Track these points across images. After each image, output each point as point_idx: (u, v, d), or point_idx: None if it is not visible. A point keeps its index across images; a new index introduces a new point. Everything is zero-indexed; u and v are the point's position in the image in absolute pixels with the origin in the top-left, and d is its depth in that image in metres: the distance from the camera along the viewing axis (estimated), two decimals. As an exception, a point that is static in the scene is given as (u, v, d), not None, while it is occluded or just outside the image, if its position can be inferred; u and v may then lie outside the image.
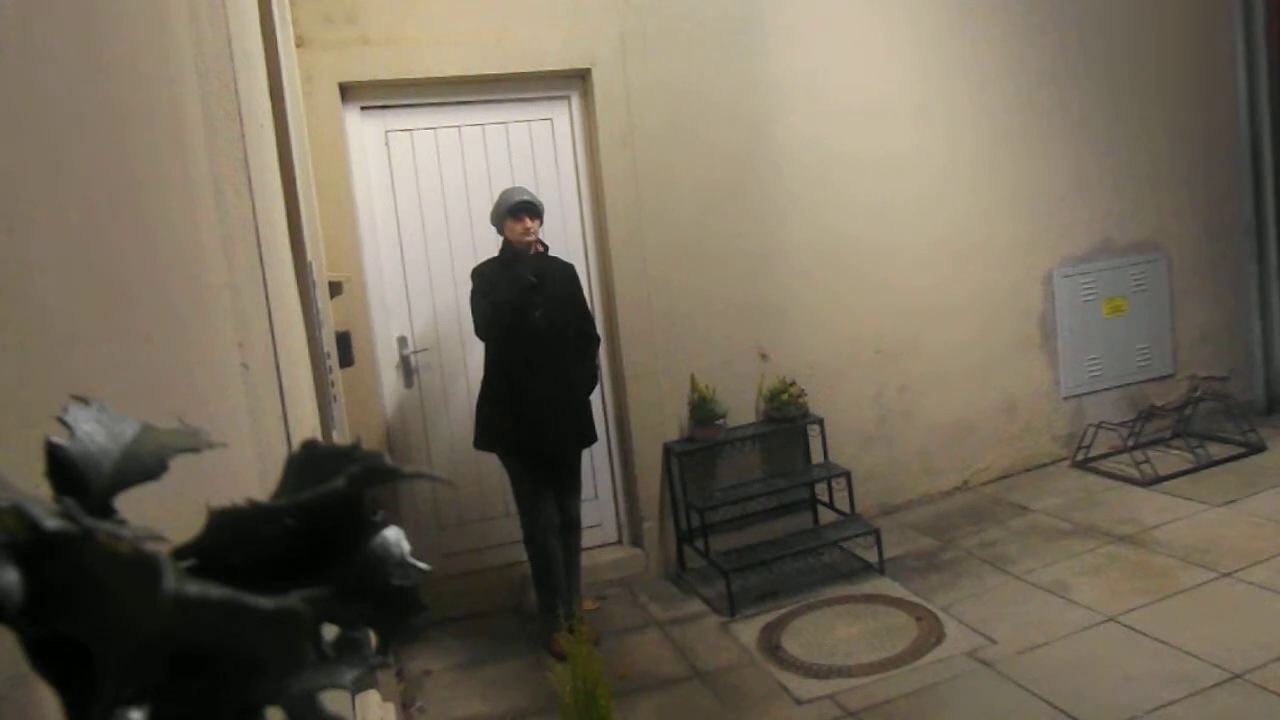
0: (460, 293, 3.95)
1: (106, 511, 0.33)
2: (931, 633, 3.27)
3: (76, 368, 0.54)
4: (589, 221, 4.14)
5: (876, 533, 3.88)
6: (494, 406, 3.44)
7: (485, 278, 3.40)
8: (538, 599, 3.54)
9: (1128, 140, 4.95)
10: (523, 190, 3.45)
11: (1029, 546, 3.89)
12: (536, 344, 3.36)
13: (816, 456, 4.31)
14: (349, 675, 0.32)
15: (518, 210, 3.36)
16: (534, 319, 3.34)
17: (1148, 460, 4.52)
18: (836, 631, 3.38)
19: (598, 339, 3.65)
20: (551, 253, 3.55)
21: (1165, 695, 2.66)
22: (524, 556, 3.58)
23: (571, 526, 3.55)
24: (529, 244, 3.38)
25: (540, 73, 3.97)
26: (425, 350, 3.98)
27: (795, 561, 3.95)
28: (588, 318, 3.58)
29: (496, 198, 3.48)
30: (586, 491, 4.17)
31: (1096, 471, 4.69)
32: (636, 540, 4.21)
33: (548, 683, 2.78)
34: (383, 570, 0.35)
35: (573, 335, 3.47)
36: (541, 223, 3.44)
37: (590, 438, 3.57)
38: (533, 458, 3.42)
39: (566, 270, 3.55)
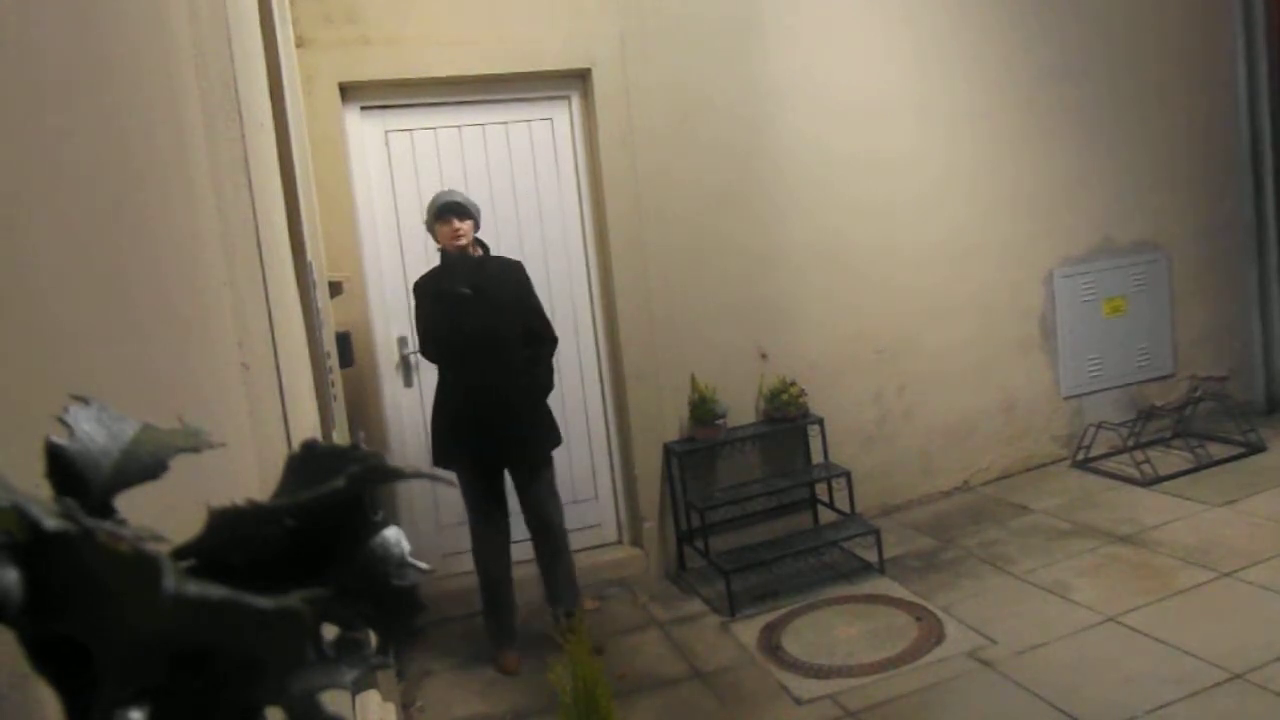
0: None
1: (106, 511, 0.33)
2: (931, 633, 3.27)
3: (76, 368, 0.54)
4: (589, 222, 4.14)
5: (876, 533, 3.88)
6: (442, 420, 3.38)
7: (424, 289, 3.34)
8: (483, 617, 3.51)
9: (1128, 140, 4.95)
10: (451, 192, 3.35)
11: (1029, 546, 3.89)
12: (476, 354, 3.27)
13: (816, 456, 4.31)
14: (349, 675, 0.32)
15: (445, 212, 3.26)
16: (463, 328, 3.24)
17: (1148, 460, 4.52)
18: (836, 631, 3.38)
19: (553, 339, 3.45)
20: (514, 255, 3.49)
21: (1165, 695, 2.66)
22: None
23: (548, 532, 3.44)
24: (460, 248, 3.28)
25: (540, 73, 3.97)
26: (425, 350, 3.98)
27: (795, 561, 3.95)
28: (540, 317, 3.44)
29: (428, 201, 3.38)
30: (586, 491, 4.17)
31: (1096, 471, 4.69)
32: (636, 540, 4.21)
33: (548, 683, 2.78)
34: (383, 570, 0.35)
35: (520, 339, 3.36)
36: (477, 225, 3.34)
37: (550, 441, 3.43)
38: (480, 468, 3.35)
39: (511, 270, 3.41)
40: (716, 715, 2.97)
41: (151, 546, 0.27)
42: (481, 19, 3.84)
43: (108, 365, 0.60)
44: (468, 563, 4.01)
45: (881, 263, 4.48)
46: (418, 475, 0.36)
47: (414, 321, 3.41)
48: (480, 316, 3.25)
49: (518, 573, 3.91)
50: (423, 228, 3.93)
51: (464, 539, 4.03)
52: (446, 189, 3.45)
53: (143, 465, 0.35)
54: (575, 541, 3.76)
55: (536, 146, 4.06)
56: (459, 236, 3.27)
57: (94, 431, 0.35)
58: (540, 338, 3.42)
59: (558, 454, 3.52)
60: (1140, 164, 4.99)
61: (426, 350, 3.38)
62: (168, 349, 0.76)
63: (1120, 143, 4.94)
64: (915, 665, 3.07)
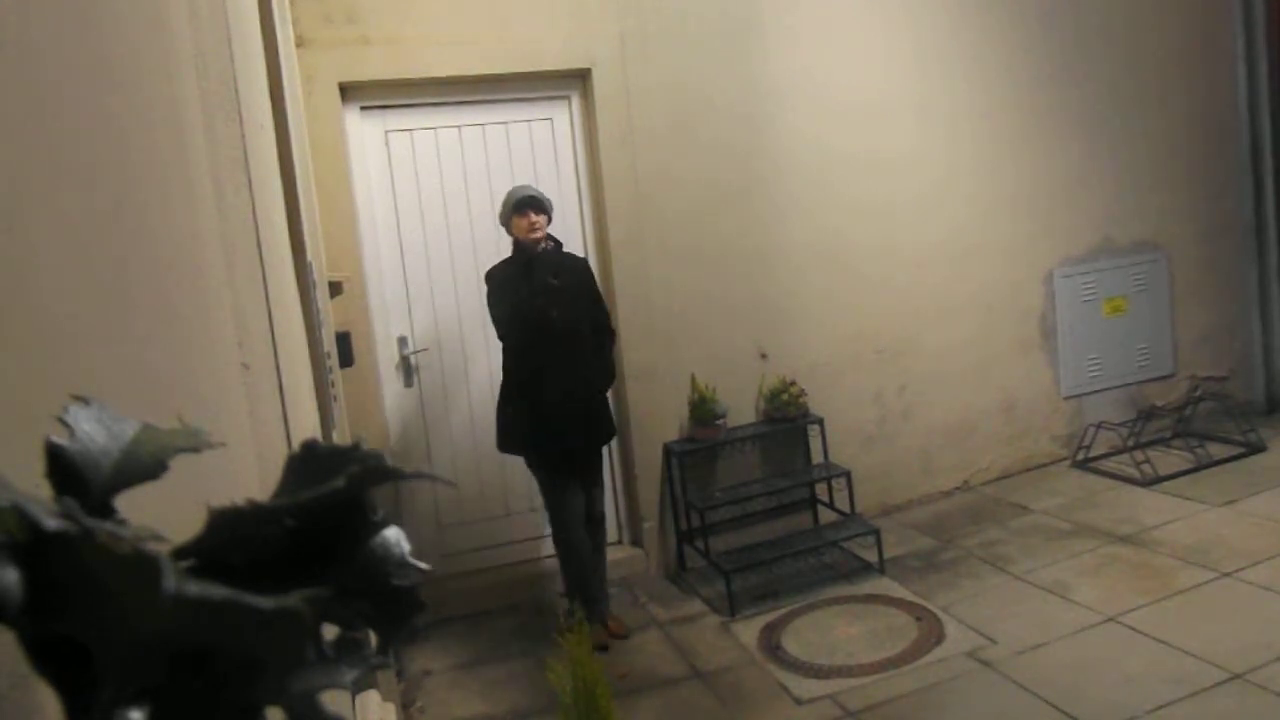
0: (461, 292, 3.95)
1: (106, 511, 0.33)
2: (931, 633, 3.27)
3: (76, 368, 0.54)
4: (589, 221, 4.14)
5: (876, 533, 3.87)
6: (514, 408, 3.44)
7: (499, 280, 3.41)
8: (568, 592, 3.54)
9: (1128, 140, 4.95)
10: (528, 186, 3.46)
11: (1029, 546, 3.89)
12: (554, 343, 3.37)
13: (816, 456, 4.31)
14: (349, 675, 0.32)
15: (523, 206, 3.35)
16: (552, 319, 3.35)
17: (1148, 460, 4.52)
18: (836, 631, 3.38)
19: (614, 332, 3.67)
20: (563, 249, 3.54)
21: (1165, 695, 2.66)
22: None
23: (598, 522, 3.59)
24: (536, 240, 3.37)
25: (540, 73, 3.97)
26: (425, 350, 3.98)
27: (795, 561, 3.95)
28: (604, 311, 3.60)
29: (504, 196, 3.48)
30: (586, 491, 4.17)
31: (1096, 471, 4.69)
32: (637, 540, 4.21)
33: (548, 683, 2.78)
34: (383, 570, 0.35)
35: (589, 331, 3.49)
36: (550, 219, 3.43)
37: (610, 432, 3.62)
38: (553, 457, 3.44)
39: (580, 265, 3.57)
40: (716, 715, 2.97)
41: (151, 546, 0.27)
42: (481, 19, 3.84)
43: (108, 365, 0.60)
44: (468, 563, 4.02)
45: (881, 263, 4.47)
46: (418, 475, 0.36)
47: (489, 309, 3.47)
48: (562, 308, 3.37)
49: (533, 569, 3.91)
50: (422, 227, 3.95)
51: (464, 539, 4.04)
52: (523, 183, 3.55)
53: (143, 465, 0.35)
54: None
55: (536, 146, 4.06)
56: (535, 229, 3.37)
57: (94, 431, 0.35)
58: (605, 330, 3.58)
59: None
60: (1140, 164, 4.99)
61: (512, 337, 3.43)
62: (168, 349, 0.76)
63: (1120, 143, 4.94)
64: (915, 665, 3.07)
